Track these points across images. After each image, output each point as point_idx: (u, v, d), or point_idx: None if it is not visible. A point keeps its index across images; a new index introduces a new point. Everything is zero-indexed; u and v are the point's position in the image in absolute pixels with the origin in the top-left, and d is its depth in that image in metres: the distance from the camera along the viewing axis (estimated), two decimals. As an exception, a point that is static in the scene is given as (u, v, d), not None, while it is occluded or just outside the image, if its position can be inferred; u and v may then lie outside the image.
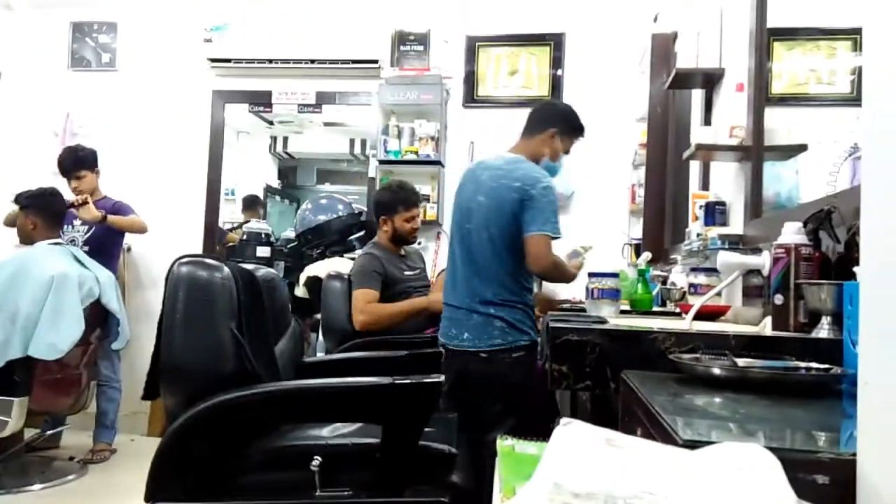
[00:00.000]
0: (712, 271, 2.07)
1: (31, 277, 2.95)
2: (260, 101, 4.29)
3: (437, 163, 3.94)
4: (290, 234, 4.35)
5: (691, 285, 2.08)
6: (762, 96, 1.91)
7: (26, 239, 3.25)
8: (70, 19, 4.34)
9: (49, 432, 3.52)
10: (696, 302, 1.77)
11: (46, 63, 4.37)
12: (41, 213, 3.23)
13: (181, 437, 1.35)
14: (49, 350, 2.85)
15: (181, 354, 1.40)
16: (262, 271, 1.75)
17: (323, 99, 4.25)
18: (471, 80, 4.07)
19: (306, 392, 1.39)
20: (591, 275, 1.93)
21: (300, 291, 3.73)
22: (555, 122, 2.33)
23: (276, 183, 7.10)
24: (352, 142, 6.75)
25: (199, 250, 4.18)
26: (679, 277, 2.46)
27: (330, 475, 1.38)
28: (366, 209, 4.01)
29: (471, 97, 4.08)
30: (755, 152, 1.91)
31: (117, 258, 3.74)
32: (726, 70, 2.33)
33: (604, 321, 1.42)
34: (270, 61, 4.13)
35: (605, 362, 1.16)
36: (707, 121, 2.50)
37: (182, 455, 1.36)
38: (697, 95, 3.11)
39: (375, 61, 4.04)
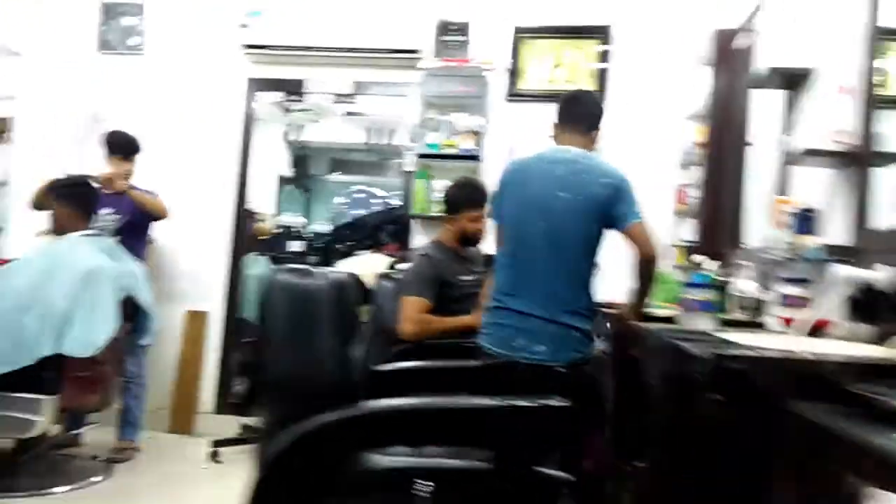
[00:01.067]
0: (804, 282, 1.96)
1: (65, 271, 2.83)
2: (294, 90, 4.16)
3: (477, 158, 3.81)
4: (317, 227, 4.23)
5: (784, 296, 1.97)
6: (872, 99, 1.78)
7: (60, 229, 3.12)
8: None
9: (75, 431, 3.41)
10: (801, 315, 1.66)
11: (75, 45, 4.22)
12: (77, 204, 3.10)
13: (286, 458, 1.23)
14: (84, 347, 2.73)
15: (284, 369, 1.28)
16: (336, 275, 1.63)
17: (359, 89, 4.12)
18: (513, 72, 3.93)
19: (417, 413, 1.27)
20: (686, 285, 1.81)
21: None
22: (600, 123, 2.32)
23: (289, 172, 6.98)
24: (368, 131, 6.63)
25: (229, 242, 4.06)
26: (747, 285, 2.35)
27: (436, 499, 1.26)
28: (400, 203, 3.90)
29: (513, 90, 3.94)
30: (864, 159, 1.79)
31: (145, 249, 3.62)
32: (817, 71, 2.20)
33: (730, 342, 1.30)
34: (307, 49, 3.99)
35: (768, 392, 1.04)
36: (790, 124, 2.38)
37: (287, 477, 1.24)
38: (760, 96, 3.00)
39: (416, 51, 3.90)
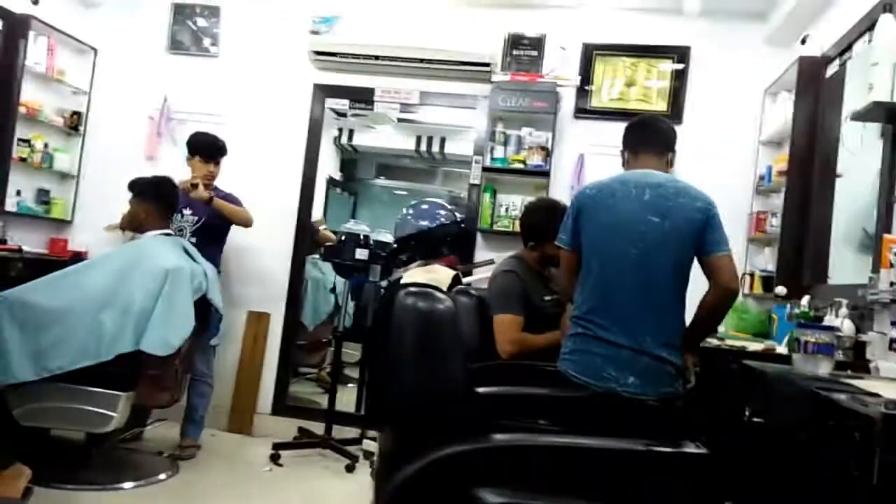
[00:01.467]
0: (920, 327, 1.89)
1: (145, 269, 2.86)
2: (361, 98, 4.16)
3: (546, 174, 3.78)
4: (380, 237, 4.21)
5: (893, 340, 1.91)
6: None
7: (135, 226, 3.16)
8: (172, 0, 4.24)
9: (139, 428, 3.45)
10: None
11: (145, 44, 4.28)
12: (156, 203, 3.14)
13: (414, 484, 1.21)
14: (161, 345, 2.75)
15: (412, 391, 1.27)
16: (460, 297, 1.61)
17: (426, 99, 4.11)
18: (584, 89, 3.89)
19: (540, 451, 1.24)
20: (801, 325, 1.76)
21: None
22: (674, 145, 2.26)
23: (337, 175, 7.01)
24: (418, 139, 6.64)
25: (292, 247, 4.08)
26: (845, 325, 2.28)
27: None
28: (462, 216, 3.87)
29: (583, 107, 3.91)
30: None
31: (221, 252, 3.65)
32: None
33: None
34: (377, 58, 3.99)
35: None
36: (892, 160, 2.31)
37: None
38: (853, 128, 2.91)
39: (487, 64, 3.88)
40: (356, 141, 6.70)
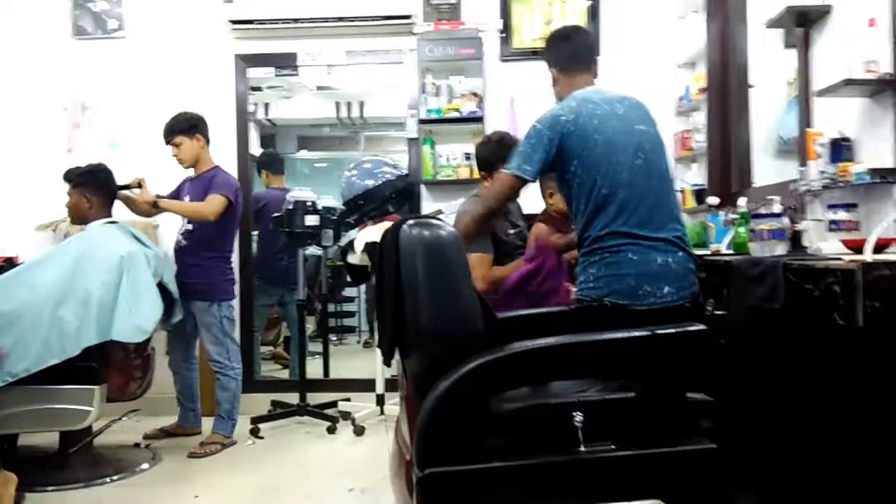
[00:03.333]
0: (852, 206, 2.11)
1: (99, 258, 2.79)
2: (286, 64, 4.11)
3: (481, 119, 3.86)
4: (324, 202, 4.21)
5: (831, 222, 2.12)
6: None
7: (80, 219, 3.05)
8: (69, -17, 4.02)
9: (121, 417, 3.36)
10: (868, 237, 1.79)
11: (48, 33, 4.05)
12: (96, 190, 3.03)
13: (446, 401, 1.30)
14: (134, 332, 2.72)
15: (430, 319, 1.34)
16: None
17: (352, 59, 4.09)
18: (506, 32, 3.97)
19: (565, 349, 1.36)
20: (755, 217, 1.93)
21: (356, 258, 3.63)
22: (595, 53, 2.28)
23: (257, 152, 6.88)
24: (337, 105, 6.57)
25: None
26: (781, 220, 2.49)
27: (589, 430, 1.35)
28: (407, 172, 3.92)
29: (507, 50, 3.99)
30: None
31: (227, 235, 3.43)
32: (834, 7, 2.34)
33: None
34: (296, 21, 3.94)
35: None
36: (807, 59, 2.51)
37: (448, 420, 1.31)
38: (757, 35, 3.14)
39: (408, 16, 3.90)
40: (273, 114, 6.56)
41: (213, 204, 3.23)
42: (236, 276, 3.69)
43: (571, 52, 2.22)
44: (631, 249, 1.90)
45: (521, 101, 3.94)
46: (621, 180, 1.94)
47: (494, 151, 2.76)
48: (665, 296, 1.86)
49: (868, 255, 1.52)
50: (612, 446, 1.36)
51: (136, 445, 3.34)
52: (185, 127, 3.35)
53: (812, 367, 1.47)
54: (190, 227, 3.33)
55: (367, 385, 3.86)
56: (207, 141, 3.45)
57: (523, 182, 2.05)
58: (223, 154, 4.00)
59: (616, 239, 1.92)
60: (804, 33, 2.53)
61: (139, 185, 3.19)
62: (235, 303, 3.89)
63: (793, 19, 2.51)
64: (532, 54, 3.97)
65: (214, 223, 3.27)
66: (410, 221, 1.43)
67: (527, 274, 2.52)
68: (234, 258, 3.72)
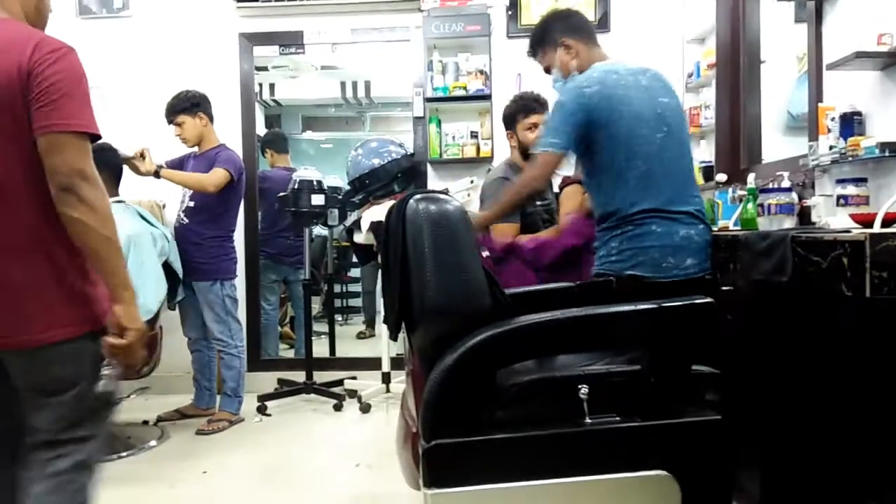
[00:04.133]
0: (861, 181, 2.09)
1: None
2: (291, 42, 4.08)
3: (488, 97, 3.83)
4: (331, 181, 4.21)
5: (840, 196, 2.09)
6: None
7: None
8: (74, -38, 4.00)
9: (130, 395, 3.40)
10: (877, 211, 1.77)
11: (52, 13, 4.01)
12: (102, 170, 2.99)
13: (452, 374, 1.30)
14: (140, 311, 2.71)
15: (437, 293, 1.34)
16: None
17: (357, 37, 4.06)
18: (514, 8, 3.93)
19: (571, 322, 1.35)
20: (763, 191, 1.92)
21: (362, 238, 3.63)
22: None
23: (262, 132, 6.88)
24: (343, 85, 6.54)
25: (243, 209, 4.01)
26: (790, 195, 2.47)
27: (594, 403, 1.35)
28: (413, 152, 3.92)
29: (514, 27, 3.95)
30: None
31: (229, 213, 3.44)
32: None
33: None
34: (300, -3, 3.91)
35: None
36: (818, 33, 2.48)
37: (455, 392, 1.31)
38: (768, 10, 3.10)
39: (414, -8, 3.86)
40: (279, 95, 6.56)
41: (216, 175, 3.25)
42: (240, 254, 3.71)
43: (582, 22, 2.23)
44: (655, 222, 1.89)
45: (528, 78, 3.90)
46: (646, 152, 1.93)
47: (512, 107, 2.83)
48: (688, 268, 1.87)
49: (877, 230, 1.51)
50: (617, 418, 1.36)
51: (145, 423, 3.37)
52: (187, 105, 3.35)
53: (820, 339, 1.47)
54: (192, 203, 3.33)
55: (373, 364, 3.88)
56: (211, 119, 3.45)
57: (558, 157, 2.01)
58: (228, 134, 4.00)
59: (640, 212, 1.91)
60: (816, 6, 2.48)
61: (142, 156, 3.22)
62: (241, 282, 3.91)
63: (806, -9, 2.47)
64: (539, 31, 3.94)
65: (216, 200, 3.29)
66: (417, 196, 1.42)
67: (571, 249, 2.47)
68: (239, 237, 3.73)
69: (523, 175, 2.23)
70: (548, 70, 2.27)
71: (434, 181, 3.99)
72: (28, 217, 1.36)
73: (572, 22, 2.22)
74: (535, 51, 2.30)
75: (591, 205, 2.15)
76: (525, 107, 2.81)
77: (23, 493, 1.39)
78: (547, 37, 2.23)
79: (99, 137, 1.46)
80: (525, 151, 2.78)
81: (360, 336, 5.61)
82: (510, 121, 2.83)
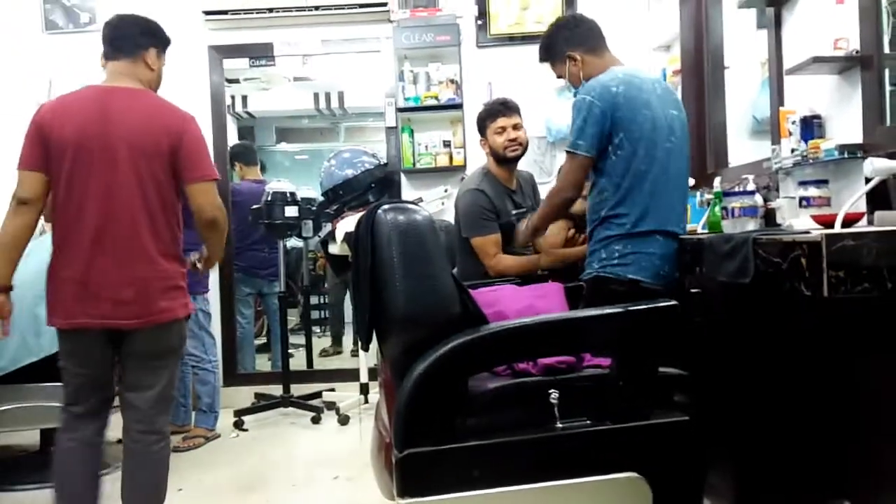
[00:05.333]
0: (822, 183, 2.13)
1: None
2: (262, 54, 4.07)
3: (459, 107, 3.86)
4: (304, 192, 4.19)
5: (802, 198, 2.14)
6: (878, 4, 1.95)
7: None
8: (39, -23, 3.96)
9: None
10: (838, 212, 1.81)
11: (18, 28, 3.99)
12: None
13: (423, 383, 1.31)
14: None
15: (406, 302, 1.34)
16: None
17: (328, 48, 4.06)
18: (484, 18, 3.97)
19: (541, 327, 1.37)
20: (727, 195, 1.95)
21: (337, 248, 3.63)
22: None
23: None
24: (316, 96, 6.54)
25: (215, 216, 3.98)
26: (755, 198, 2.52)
27: (565, 407, 1.37)
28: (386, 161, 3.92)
29: (484, 36, 3.99)
30: (875, 61, 1.95)
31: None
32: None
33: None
34: (270, 10, 3.91)
35: (881, 264, 1.18)
36: (778, 38, 2.53)
37: (427, 401, 1.32)
38: (731, 16, 3.16)
39: (384, 4, 3.88)
40: (252, 107, 6.52)
41: None
42: (213, 268, 3.67)
43: (592, 30, 2.20)
44: (660, 233, 1.95)
45: (499, 86, 3.94)
46: (659, 160, 1.96)
47: (481, 114, 2.86)
48: (673, 278, 1.95)
49: (837, 230, 1.55)
50: (588, 422, 1.37)
51: (120, 441, 3.31)
52: None
53: (784, 339, 1.50)
54: None
55: (351, 375, 3.86)
56: None
57: (586, 160, 1.99)
58: (200, 147, 3.99)
59: (649, 223, 1.94)
60: (775, 13, 2.54)
61: None
62: (214, 295, 3.88)
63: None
64: (509, 40, 3.99)
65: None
66: (385, 206, 1.43)
67: None
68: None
69: (554, 185, 2.17)
70: (560, 76, 2.26)
71: (408, 190, 4.00)
72: (166, 235, 2.04)
73: (579, 32, 2.19)
74: (544, 61, 2.29)
75: (592, 203, 2.09)
76: (491, 111, 2.83)
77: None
78: (553, 49, 2.21)
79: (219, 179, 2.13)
80: (497, 156, 2.80)
81: (324, 353, 5.32)
82: (481, 127, 2.85)
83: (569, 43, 2.17)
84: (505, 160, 2.79)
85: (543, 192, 2.90)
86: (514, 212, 2.70)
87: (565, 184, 2.06)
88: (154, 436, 2.10)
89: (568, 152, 2.01)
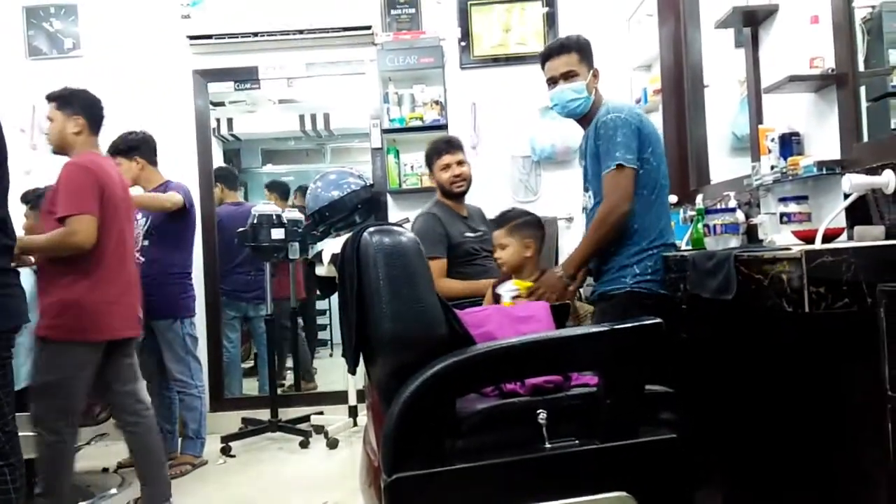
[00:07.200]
0: (802, 199, 2.16)
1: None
2: (246, 77, 4.09)
3: (444, 127, 3.89)
4: (289, 214, 4.18)
5: (783, 214, 2.17)
6: (851, 24, 1.99)
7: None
8: (22, 4, 3.96)
9: (89, 442, 3.28)
10: (818, 227, 1.84)
11: (1, 54, 3.99)
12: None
13: (411, 406, 1.30)
14: None
15: (393, 324, 1.34)
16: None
17: (312, 70, 4.09)
18: (467, 40, 4.01)
19: (529, 347, 1.37)
20: (709, 212, 1.98)
21: (324, 270, 3.62)
22: None
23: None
24: (301, 118, 6.55)
25: (202, 247, 3.97)
26: (737, 213, 2.55)
27: (553, 428, 1.37)
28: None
29: (467, 58, 4.03)
30: (851, 78, 1.99)
31: (185, 250, 3.40)
32: (780, 6, 2.41)
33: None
34: (255, 34, 3.94)
35: (861, 279, 1.20)
36: (755, 58, 2.58)
37: (415, 424, 1.31)
38: (709, 36, 3.21)
39: (368, 27, 3.92)
40: (237, 129, 6.53)
41: (170, 194, 3.25)
42: (199, 291, 3.66)
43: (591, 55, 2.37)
44: (672, 244, 2.18)
45: (483, 107, 3.99)
46: (663, 185, 2.19)
47: (428, 150, 2.96)
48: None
49: (818, 246, 1.57)
50: (577, 441, 1.37)
51: (105, 470, 3.27)
52: (124, 148, 3.30)
53: (768, 354, 1.51)
54: (146, 242, 3.27)
55: (339, 397, 3.84)
56: (151, 162, 3.36)
57: (632, 171, 2.08)
58: (185, 170, 3.98)
59: (666, 232, 2.16)
60: (752, 32, 2.59)
61: None
62: (201, 320, 3.85)
63: (740, 19, 2.57)
64: (492, 61, 4.03)
65: (171, 234, 3.29)
66: (371, 228, 1.43)
67: None
68: (198, 274, 3.69)
69: (604, 204, 2.11)
70: (564, 76, 2.25)
71: (394, 211, 4.01)
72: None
73: (591, 53, 2.37)
74: (569, 52, 2.27)
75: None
76: (436, 149, 2.93)
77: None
78: (586, 52, 2.32)
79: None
80: (444, 191, 2.91)
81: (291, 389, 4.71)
82: (428, 164, 2.97)
83: (590, 62, 2.33)
84: (454, 195, 2.91)
85: (534, 207, 2.95)
86: (467, 234, 2.81)
87: (621, 199, 2.06)
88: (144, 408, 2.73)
89: (619, 166, 2.05)
